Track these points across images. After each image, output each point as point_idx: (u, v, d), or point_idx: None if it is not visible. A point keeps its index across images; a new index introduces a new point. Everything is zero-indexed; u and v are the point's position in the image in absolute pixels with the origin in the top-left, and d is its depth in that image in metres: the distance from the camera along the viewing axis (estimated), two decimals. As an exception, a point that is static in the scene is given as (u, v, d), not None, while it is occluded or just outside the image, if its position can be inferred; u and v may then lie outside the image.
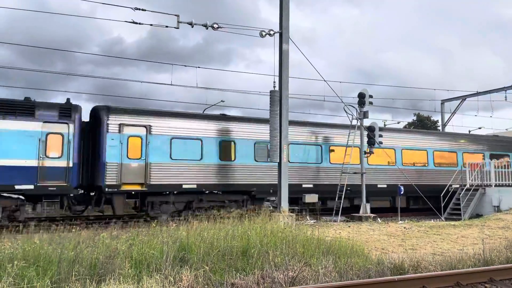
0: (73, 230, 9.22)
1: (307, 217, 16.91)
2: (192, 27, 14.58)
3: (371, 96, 19.04)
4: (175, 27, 14.30)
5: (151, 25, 14.42)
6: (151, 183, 15.85)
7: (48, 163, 14.42)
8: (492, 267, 7.83)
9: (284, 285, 6.74)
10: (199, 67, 25.53)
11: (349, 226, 14.59)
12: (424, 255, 9.57)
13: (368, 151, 19.13)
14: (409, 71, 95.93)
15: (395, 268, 8.03)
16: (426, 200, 20.38)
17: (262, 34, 15.40)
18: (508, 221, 15.70)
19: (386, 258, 8.73)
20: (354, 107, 19.22)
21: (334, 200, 18.32)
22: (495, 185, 20.32)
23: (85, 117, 16.13)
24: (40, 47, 44.65)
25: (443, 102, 32.40)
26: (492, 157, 23.54)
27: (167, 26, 14.44)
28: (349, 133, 19.28)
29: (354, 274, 7.51)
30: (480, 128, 34.83)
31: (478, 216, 19.25)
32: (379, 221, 17.10)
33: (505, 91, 28.89)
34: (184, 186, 16.48)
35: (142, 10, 14.10)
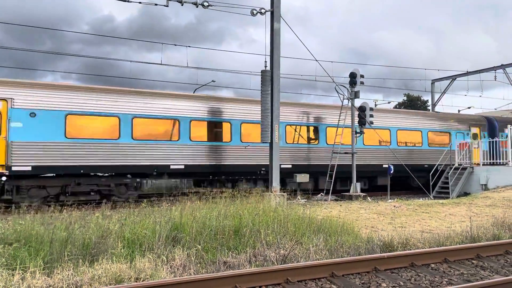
0: (64, 211, 9.19)
1: (298, 197, 17.06)
2: (182, 4, 14.31)
3: (362, 76, 19.01)
4: (164, 5, 14.03)
5: (140, 2, 14.12)
6: None
7: None
8: (479, 244, 8.00)
9: (275, 263, 6.84)
10: (189, 46, 25.14)
11: (340, 205, 14.76)
12: (412, 232, 9.74)
13: (359, 130, 19.23)
14: (402, 50, 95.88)
15: (385, 245, 8.17)
16: (415, 179, 20.67)
17: (253, 12, 15.19)
18: (495, 199, 16.00)
19: (376, 236, 8.88)
20: (345, 87, 19.21)
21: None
22: (483, 164, 20.62)
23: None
24: (28, 26, 43.65)
25: (433, 82, 32.49)
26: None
27: (156, 4, 14.16)
28: (340, 113, 19.33)
29: (344, 251, 7.64)
30: (469, 107, 35.13)
31: (466, 194, 19.60)
32: (369, 200, 17.32)
33: (495, 71, 29.03)
34: None
35: (130, -13, 13.77)
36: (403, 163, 19.97)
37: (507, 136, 22.29)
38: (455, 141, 22.57)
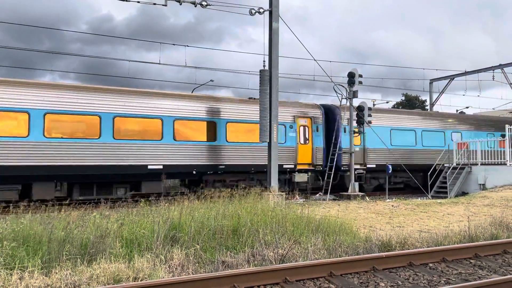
0: (63, 210, 9.17)
1: (297, 196, 17.07)
2: (180, 4, 14.31)
3: (361, 76, 19.03)
4: (163, 5, 14.03)
5: (138, 1, 14.11)
6: None
7: None
8: (477, 243, 8.01)
9: (274, 262, 6.84)
10: (188, 46, 25.19)
11: (338, 205, 14.78)
12: (411, 232, 9.76)
13: (357, 130, 19.25)
14: (400, 50, 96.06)
15: (383, 245, 8.18)
16: (414, 179, 20.67)
17: (251, 12, 15.21)
18: (493, 198, 16.02)
19: (374, 236, 8.89)
20: (344, 86, 19.23)
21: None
22: (481, 164, 20.66)
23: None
24: (27, 25, 43.52)
25: (431, 81, 32.55)
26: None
27: (155, 4, 14.16)
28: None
29: (342, 251, 7.64)
30: (467, 107, 35.16)
31: (464, 194, 19.62)
32: (367, 199, 17.33)
33: (493, 70, 29.10)
34: None
35: (129, -14, 13.76)
36: (182, 163, 16.24)
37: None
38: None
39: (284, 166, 18.18)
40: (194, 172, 16.52)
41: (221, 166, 17.03)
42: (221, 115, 17.34)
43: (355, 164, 19.51)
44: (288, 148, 18.48)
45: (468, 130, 24.41)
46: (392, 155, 20.56)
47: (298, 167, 18.78)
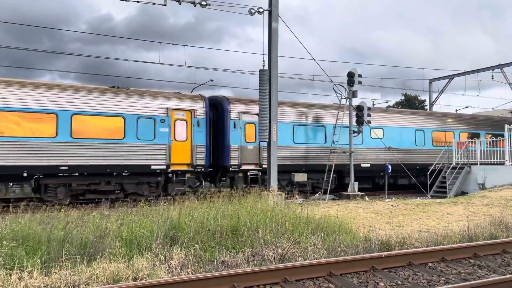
0: (62, 210, 9.17)
1: (296, 196, 17.07)
2: (180, 4, 14.30)
3: (360, 76, 19.04)
4: (162, 4, 14.03)
5: (137, 1, 14.10)
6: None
7: None
8: (476, 243, 8.02)
9: (273, 262, 6.84)
10: (187, 46, 25.20)
11: (338, 205, 14.78)
12: (410, 231, 9.76)
13: (357, 130, 19.25)
14: (400, 50, 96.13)
15: (382, 244, 8.19)
16: (413, 178, 20.67)
17: (251, 11, 15.20)
18: (492, 198, 16.03)
19: (374, 235, 8.89)
20: (343, 86, 19.23)
21: None
22: (481, 164, 20.67)
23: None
24: (26, 25, 43.48)
25: (431, 81, 32.58)
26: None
27: (154, 3, 14.15)
28: (338, 112, 19.37)
29: (342, 251, 7.65)
30: (466, 107, 35.15)
31: (463, 193, 19.63)
32: (367, 199, 17.33)
33: (492, 70, 29.13)
34: None
35: (128, -14, 13.75)
36: (6, 163, 13.81)
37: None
38: (135, 130, 15.76)
39: (153, 167, 15.92)
40: (25, 175, 14.06)
41: (63, 167, 14.53)
42: (65, 106, 14.79)
43: (247, 164, 17.77)
44: (158, 146, 16.14)
45: (393, 126, 21.87)
46: (295, 154, 18.65)
47: (173, 167, 16.40)
